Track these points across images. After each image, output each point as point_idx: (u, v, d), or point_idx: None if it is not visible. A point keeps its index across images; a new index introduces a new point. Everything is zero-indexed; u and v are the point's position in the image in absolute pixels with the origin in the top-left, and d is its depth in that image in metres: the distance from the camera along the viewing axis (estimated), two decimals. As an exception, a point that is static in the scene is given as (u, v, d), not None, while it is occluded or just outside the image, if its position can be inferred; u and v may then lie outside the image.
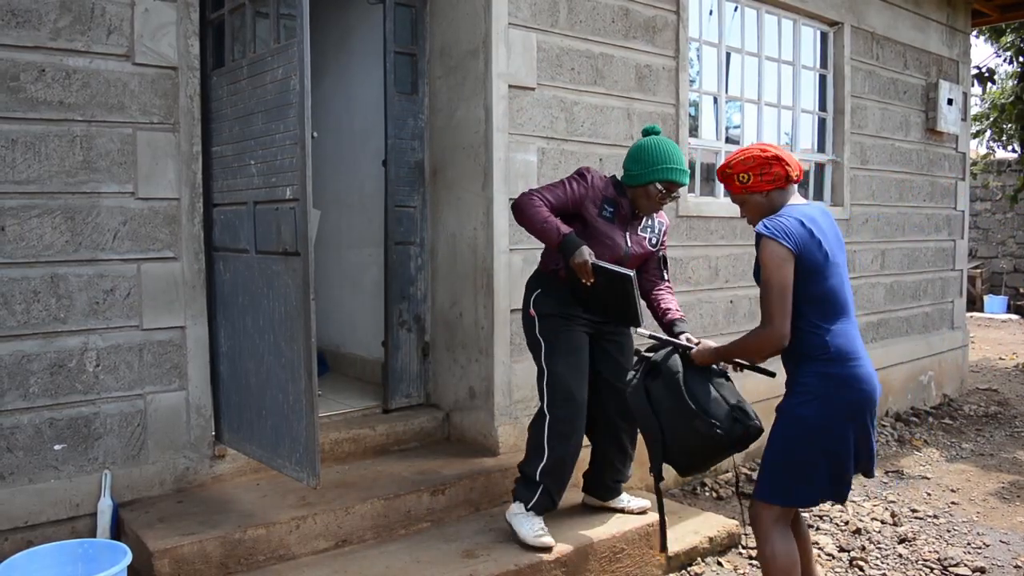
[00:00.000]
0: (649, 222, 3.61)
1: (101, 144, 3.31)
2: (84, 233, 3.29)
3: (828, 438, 2.84)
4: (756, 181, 2.95)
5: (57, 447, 3.27)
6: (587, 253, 3.23)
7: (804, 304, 2.81)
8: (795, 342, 2.84)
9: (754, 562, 3.89)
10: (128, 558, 2.80)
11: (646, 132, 3.54)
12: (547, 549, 3.37)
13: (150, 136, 3.42)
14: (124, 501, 3.40)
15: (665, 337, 3.34)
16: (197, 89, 3.54)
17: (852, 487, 2.99)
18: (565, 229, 3.29)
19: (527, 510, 3.45)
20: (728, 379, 3.22)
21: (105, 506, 3.29)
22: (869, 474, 3.02)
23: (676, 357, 3.15)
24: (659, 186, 3.41)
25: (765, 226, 2.81)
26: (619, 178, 3.54)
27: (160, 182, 3.46)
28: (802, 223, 2.80)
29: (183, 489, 3.56)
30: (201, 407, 3.60)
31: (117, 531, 3.32)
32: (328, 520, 3.41)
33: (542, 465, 3.43)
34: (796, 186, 2.99)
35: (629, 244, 3.51)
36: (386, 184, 4.46)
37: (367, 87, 5.22)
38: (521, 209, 3.35)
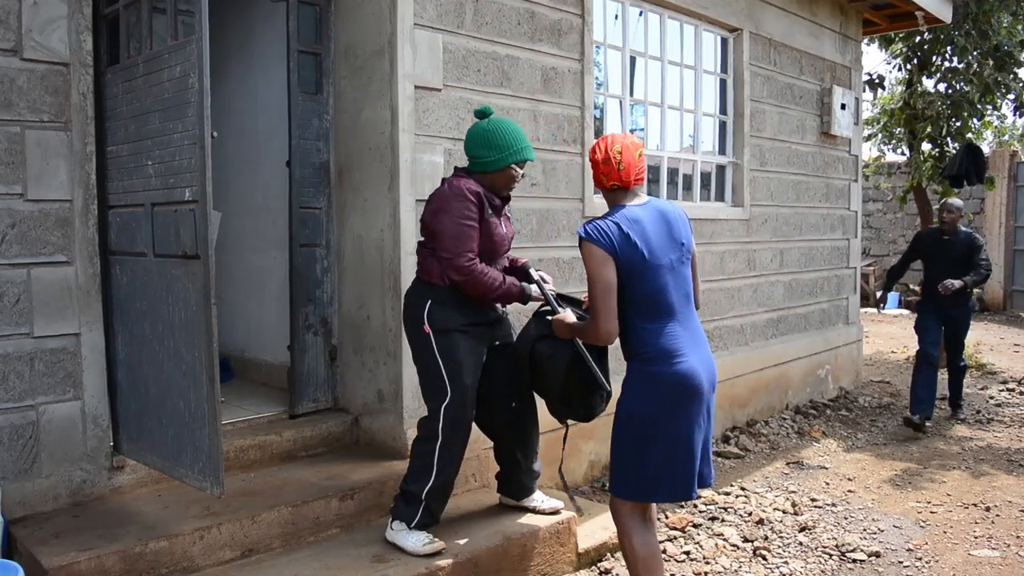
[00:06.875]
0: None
1: (-14, 143, 3.17)
2: (-32, 237, 3.14)
3: (656, 426, 2.92)
4: (595, 174, 3.06)
5: (-60, 462, 3.11)
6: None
7: (628, 305, 2.92)
8: (623, 340, 2.99)
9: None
10: (19, 577, 2.68)
11: (479, 114, 3.50)
12: (439, 553, 3.34)
13: (40, 135, 3.28)
14: (16, 518, 3.24)
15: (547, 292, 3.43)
16: (91, 86, 3.41)
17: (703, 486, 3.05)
18: (517, 285, 3.43)
19: (410, 528, 3.40)
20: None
21: (-6, 523, 3.14)
22: (706, 481, 3.06)
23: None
24: (515, 168, 3.45)
25: (585, 228, 2.91)
26: (467, 168, 3.49)
27: (51, 183, 3.32)
28: (620, 226, 2.89)
29: (80, 503, 3.42)
30: (98, 417, 3.47)
31: (8, 549, 3.16)
32: (234, 529, 3.33)
33: (429, 485, 3.39)
34: (638, 187, 3.04)
35: (506, 230, 3.55)
36: (290, 185, 4.38)
37: (271, 87, 5.12)
38: (473, 285, 3.34)
